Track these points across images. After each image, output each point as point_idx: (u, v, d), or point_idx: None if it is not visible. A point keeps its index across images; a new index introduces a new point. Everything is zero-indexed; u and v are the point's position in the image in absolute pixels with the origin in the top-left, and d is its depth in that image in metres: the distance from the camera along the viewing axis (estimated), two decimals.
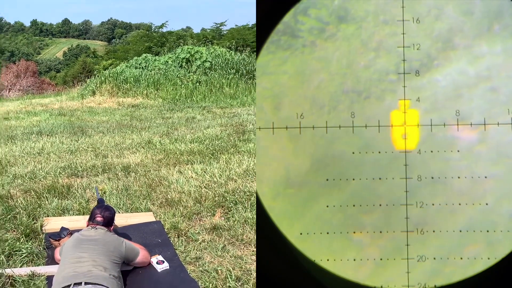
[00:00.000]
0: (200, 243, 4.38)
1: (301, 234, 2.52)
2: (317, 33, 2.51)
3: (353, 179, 2.53)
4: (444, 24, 2.50)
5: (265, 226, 2.50)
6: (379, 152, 2.52)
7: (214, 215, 5.05)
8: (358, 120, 2.51)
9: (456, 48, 2.50)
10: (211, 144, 8.40)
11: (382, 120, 2.51)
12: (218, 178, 6.21)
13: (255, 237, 3.43)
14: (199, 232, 4.62)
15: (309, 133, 2.51)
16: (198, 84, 18.00)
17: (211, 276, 3.79)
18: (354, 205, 2.53)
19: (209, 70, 19.06)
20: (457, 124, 2.50)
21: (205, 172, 6.53)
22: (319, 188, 2.52)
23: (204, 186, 5.92)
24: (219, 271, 3.87)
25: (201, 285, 3.67)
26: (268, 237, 2.50)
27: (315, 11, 2.51)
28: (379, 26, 2.51)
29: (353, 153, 2.52)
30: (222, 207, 5.25)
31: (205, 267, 3.94)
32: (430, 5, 2.51)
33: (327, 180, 2.52)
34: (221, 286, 3.65)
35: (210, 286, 3.65)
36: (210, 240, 4.45)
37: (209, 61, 19.45)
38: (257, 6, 2.47)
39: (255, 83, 2.59)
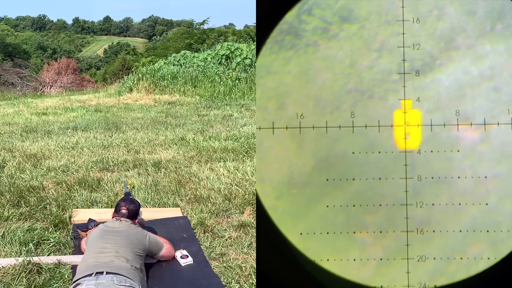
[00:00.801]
0: (226, 240, 4.38)
1: (301, 234, 2.50)
2: (320, 33, 2.49)
3: (353, 179, 2.50)
4: (447, 24, 2.47)
5: (265, 226, 2.48)
6: (379, 152, 2.49)
7: (243, 212, 5.02)
8: (359, 120, 2.48)
9: (459, 48, 2.47)
10: (246, 142, 8.39)
11: (384, 120, 2.48)
12: (250, 176, 6.20)
13: (255, 237, 3.40)
14: (226, 229, 4.61)
15: (310, 133, 2.49)
16: (237, 81, 17.82)
17: (234, 272, 3.78)
18: (354, 205, 2.50)
19: (249, 67, 18.84)
20: (457, 124, 2.46)
21: (237, 170, 6.52)
22: (321, 188, 2.50)
23: (235, 184, 5.91)
24: (243, 267, 3.85)
25: (224, 281, 3.66)
26: (269, 237, 2.48)
27: (319, 11, 2.48)
28: (381, 26, 2.48)
29: (353, 153, 2.49)
30: (252, 205, 5.22)
31: (229, 263, 3.93)
32: (432, 5, 2.47)
33: (327, 180, 2.49)
34: (243, 282, 3.64)
35: (233, 282, 3.64)
36: (236, 237, 4.43)
37: (249, 58, 19.26)
38: (257, 5, 2.45)
39: (256, 84, 2.57)
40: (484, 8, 2.46)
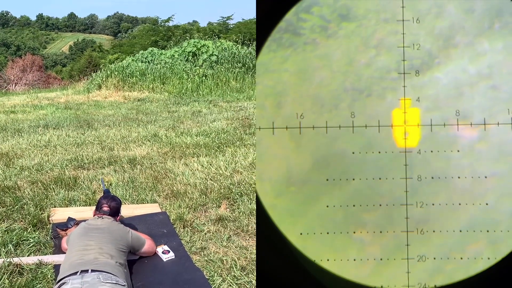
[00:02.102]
0: (205, 234, 4.42)
1: (301, 234, 2.50)
2: (319, 31, 2.49)
3: (353, 179, 2.50)
4: (445, 22, 2.48)
5: (265, 225, 2.48)
6: (379, 152, 2.49)
7: (220, 206, 5.07)
8: (358, 119, 2.48)
9: (457, 46, 2.47)
10: (217, 137, 8.45)
11: (383, 119, 2.48)
12: (223, 171, 6.26)
13: (256, 236, 3.44)
14: (204, 223, 4.65)
15: (310, 132, 2.48)
16: (204, 78, 17.98)
17: (216, 266, 3.82)
18: (354, 205, 2.50)
19: (216, 64, 19.01)
20: (457, 124, 2.47)
21: (211, 164, 6.57)
22: (320, 187, 2.50)
23: (210, 178, 5.96)
24: (224, 260, 3.90)
25: (206, 274, 3.70)
26: (268, 236, 2.49)
27: (318, 9, 2.49)
28: (379, 25, 2.48)
29: (353, 153, 2.49)
30: (228, 198, 5.28)
31: (210, 257, 3.98)
32: (431, 4, 2.48)
33: (327, 180, 2.50)
34: (226, 275, 3.68)
35: (215, 275, 3.69)
36: (215, 231, 4.48)
37: (215, 54, 19.41)
38: (257, 5, 2.45)
39: (256, 82, 2.55)
40: (483, 6, 2.47)
